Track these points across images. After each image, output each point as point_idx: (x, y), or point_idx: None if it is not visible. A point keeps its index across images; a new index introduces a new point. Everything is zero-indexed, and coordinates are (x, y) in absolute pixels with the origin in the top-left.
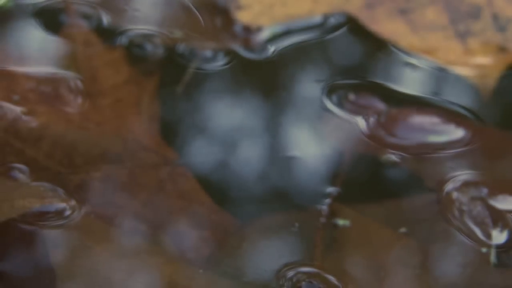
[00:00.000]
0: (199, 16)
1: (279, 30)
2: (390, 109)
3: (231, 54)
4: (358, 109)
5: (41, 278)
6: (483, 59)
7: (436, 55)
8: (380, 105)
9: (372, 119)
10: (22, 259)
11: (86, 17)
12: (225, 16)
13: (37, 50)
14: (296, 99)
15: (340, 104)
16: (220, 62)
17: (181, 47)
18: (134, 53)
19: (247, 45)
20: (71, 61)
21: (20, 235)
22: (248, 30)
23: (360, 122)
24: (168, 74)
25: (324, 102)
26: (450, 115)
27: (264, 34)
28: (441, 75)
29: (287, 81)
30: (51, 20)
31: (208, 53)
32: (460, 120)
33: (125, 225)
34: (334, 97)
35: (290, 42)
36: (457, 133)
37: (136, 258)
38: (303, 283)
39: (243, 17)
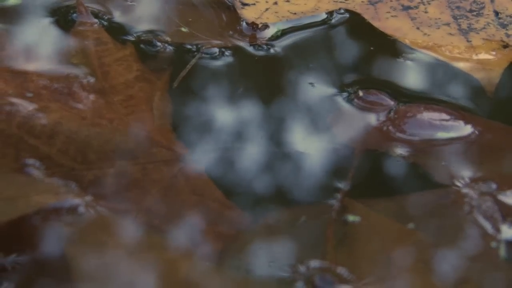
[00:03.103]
0: (205, 13)
1: (284, 27)
2: (399, 106)
3: (237, 50)
4: (367, 106)
5: (56, 273)
6: (487, 55)
7: (439, 51)
8: (389, 102)
9: (381, 116)
10: (36, 254)
11: (96, 14)
12: (231, 13)
13: (49, 47)
14: (305, 96)
15: (349, 101)
16: (226, 59)
17: (188, 44)
18: (145, 50)
19: (253, 41)
20: (82, 58)
21: (35, 230)
22: (254, 27)
23: (370, 118)
24: (178, 71)
25: (333, 99)
26: (458, 111)
27: (270, 31)
28: (445, 71)
29: (294, 77)
30: (62, 18)
31: (214, 49)
32: (467, 115)
33: (138, 221)
34: (344, 94)
35: (295, 39)
36: (465, 128)
37: (149, 253)
38: (316, 276)
39: (248, 14)
